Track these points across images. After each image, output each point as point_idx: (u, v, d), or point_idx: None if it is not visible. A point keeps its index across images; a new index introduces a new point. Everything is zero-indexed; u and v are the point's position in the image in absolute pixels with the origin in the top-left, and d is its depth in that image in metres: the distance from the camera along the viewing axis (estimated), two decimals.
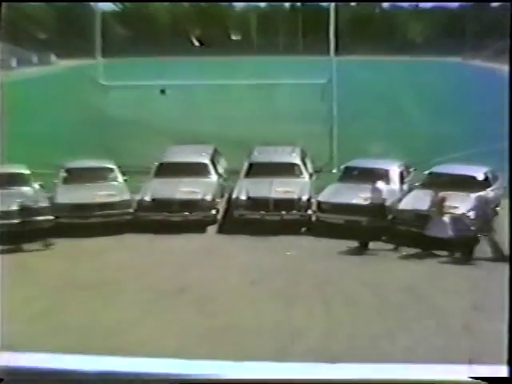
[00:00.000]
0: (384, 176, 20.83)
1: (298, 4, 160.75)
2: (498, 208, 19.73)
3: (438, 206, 18.34)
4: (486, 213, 18.22)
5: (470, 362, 2.49)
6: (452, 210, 18.37)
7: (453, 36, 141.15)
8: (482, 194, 18.83)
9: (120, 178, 21.66)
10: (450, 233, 17.94)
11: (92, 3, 30.25)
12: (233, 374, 2.48)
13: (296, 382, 2.44)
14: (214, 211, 20.64)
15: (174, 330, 13.71)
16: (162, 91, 33.04)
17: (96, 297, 15.50)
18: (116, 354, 9.32)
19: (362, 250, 18.39)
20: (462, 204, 18.82)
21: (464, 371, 2.44)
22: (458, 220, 18.13)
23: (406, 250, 18.25)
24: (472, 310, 14.49)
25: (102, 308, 14.83)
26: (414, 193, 20.24)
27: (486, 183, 20.01)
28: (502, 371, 2.36)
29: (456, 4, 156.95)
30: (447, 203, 18.30)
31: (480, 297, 15.06)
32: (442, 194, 18.59)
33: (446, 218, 18.11)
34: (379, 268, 17.44)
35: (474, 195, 19.08)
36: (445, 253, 17.96)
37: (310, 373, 2.47)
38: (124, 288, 16.03)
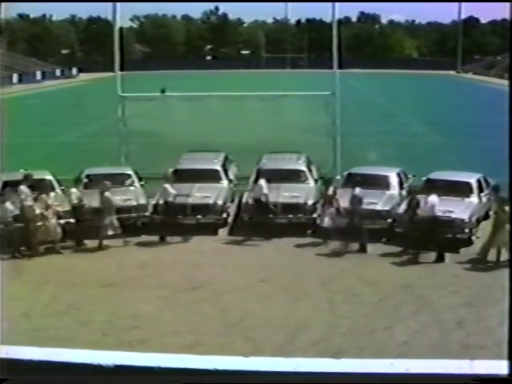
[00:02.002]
0: (384, 182, 20.84)
1: (303, 21, 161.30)
2: (490, 212, 19.75)
3: (328, 201, 19.27)
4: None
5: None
6: (447, 214, 18.48)
7: (447, 51, 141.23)
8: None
9: (137, 183, 21.67)
10: (330, 223, 18.90)
11: (111, 20, 30.17)
12: (241, 368, 2.48)
13: (301, 375, 2.44)
14: (225, 214, 20.69)
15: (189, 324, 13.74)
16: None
17: (117, 293, 15.57)
18: (135, 347, 9.36)
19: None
20: (456, 208, 18.83)
21: (464, 366, 2.42)
22: (339, 213, 18.97)
23: (404, 251, 18.24)
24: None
25: (122, 303, 14.89)
26: None
27: (479, 188, 19.97)
28: (502, 367, 2.34)
29: (448, 20, 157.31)
30: (335, 199, 19.19)
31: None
32: (331, 190, 19.53)
33: (332, 211, 18.96)
34: (377, 267, 17.46)
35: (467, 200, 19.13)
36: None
37: (314, 367, 2.47)
38: (142, 285, 16.09)
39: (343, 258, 18.16)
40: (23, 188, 19.36)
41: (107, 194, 19.45)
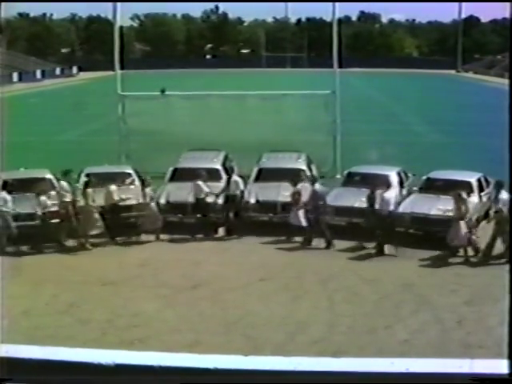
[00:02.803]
0: (384, 181, 20.82)
1: (303, 19, 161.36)
2: (490, 211, 19.77)
3: (294, 198, 19.36)
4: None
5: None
6: (447, 213, 18.51)
7: (447, 50, 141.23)
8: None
9: (137, 182, 21.64)
10: (303, 222, 19.12)
11: (111, 19, 30.16)
12: (241, 367, 2.48)
13: (301, 374, 2.44)
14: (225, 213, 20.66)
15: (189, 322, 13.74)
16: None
17: (118, 291, 15.58)
18: (135, 345, 9.36)
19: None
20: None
21: (464, 366, 2.42)
22: (310, 211, 19.20)
23: (404, 250, 18.25)
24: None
25: (122, 302, 14.90)
26: (412, 197, 20.22)
27: (479, 188, 19.97)
28: (502, 366, 2.34)
29: (449, 19, 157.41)
30: (301, 196, 19.32)
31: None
32: (297, 187, 19.55)
33: (301, 210, 19.14)
34: (377, 265, 17.49)
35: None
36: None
37: (314, 366, 2.47)
38: (143, 283, 16.09)
39: (343, 256, 18.18)
40: (63, 183, 19.86)
41: (148, 190, 19.95)
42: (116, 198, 19.89)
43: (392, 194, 18.76)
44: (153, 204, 19.79)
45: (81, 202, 19.34)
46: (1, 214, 18.57)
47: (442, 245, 17.94)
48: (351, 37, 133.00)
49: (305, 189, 19.68)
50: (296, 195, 19.43)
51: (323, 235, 18.95)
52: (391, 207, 18.50)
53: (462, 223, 17.64)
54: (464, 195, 18.21)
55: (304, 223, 19.14)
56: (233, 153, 24.91)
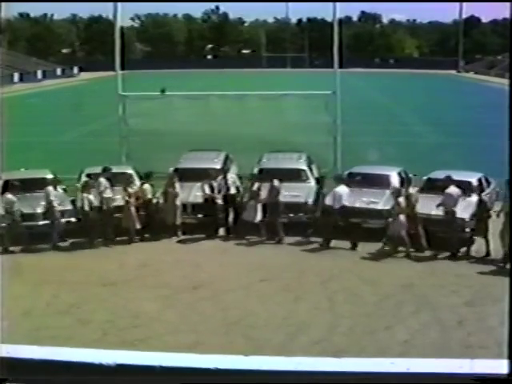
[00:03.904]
0: (385, 181, 20.81)
1: (304, 20, 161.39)
2: (491, 211, 19.76)
3: (254, 194, 19.78)
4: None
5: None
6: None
7: (448, 51, 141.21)
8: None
9: (138, 183, 21.61)
10: (257, 218, 19.60)
11: (111, 19, 30.15)
12: (241, 367, 2.48)
13: (301, 374, 2.44)
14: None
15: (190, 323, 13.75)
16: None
17: (118, 292, 15.59)
18: (136, 346, 9.36)
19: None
20: (457, 207, 18.77)
21: (465, 366, 2.42)
22: (267, 206, 19.63)
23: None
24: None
25: (123, 302, 14.90)
26: None
27: (480, 188, 19.94)
28: (502, 366, 2.34)
29: (449, 20, 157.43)
30: (261, 193, 19.70)
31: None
32: (255, 186, 19.98)
33: (258, 206, 19.59)
34: (378, 265, 17.50)
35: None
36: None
37: (315, 366, 2.47)
38: (143, 284, 16.09)
39: (343, 257, 18.18)
40: (102, 180, 20.13)
41: (177, 185, 20.17)
42: (149, 195, 20.17)
43: (344, 190, 19.04)
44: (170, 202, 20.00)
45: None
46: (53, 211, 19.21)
47: (444, 245, 17.96)
48: (352, 37, 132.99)
49: (265, 186, 19.94)
50: (255, 193, 19.75)
51: (276, 231, 19.41)
52: (343, 203, 18.88)
53: (402, 218, 17.83)
54: (403, 191, 18.46)
55: (257, 219, 19.57)
56: (233, 153, 24.92)
